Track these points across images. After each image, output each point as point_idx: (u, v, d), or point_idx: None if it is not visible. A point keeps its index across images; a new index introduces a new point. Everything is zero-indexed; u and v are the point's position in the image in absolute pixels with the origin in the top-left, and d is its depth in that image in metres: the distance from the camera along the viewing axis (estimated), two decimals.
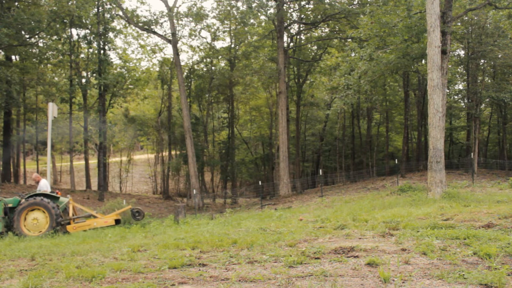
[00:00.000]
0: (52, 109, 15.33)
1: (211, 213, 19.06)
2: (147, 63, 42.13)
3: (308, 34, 34.26)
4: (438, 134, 12.90)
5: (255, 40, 32.13)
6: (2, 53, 24.98)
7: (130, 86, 33.92)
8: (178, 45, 29.70)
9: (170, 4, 28.26)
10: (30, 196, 11.36)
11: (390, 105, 35.40)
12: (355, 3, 27.59)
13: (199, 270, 4.19)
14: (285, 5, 27.53)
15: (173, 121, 37.53)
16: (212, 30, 33.74)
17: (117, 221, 12.23)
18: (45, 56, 27.18)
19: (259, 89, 37.69)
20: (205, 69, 36.88)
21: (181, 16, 29.07)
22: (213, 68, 36.63)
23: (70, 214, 11.71)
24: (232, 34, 34.40)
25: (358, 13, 24.64)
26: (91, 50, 29.56)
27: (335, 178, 34.27)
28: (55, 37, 26.35)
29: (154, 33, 29.43)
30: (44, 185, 11.97)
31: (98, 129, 28.81)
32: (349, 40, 27.32)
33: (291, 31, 32.73)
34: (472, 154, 24.50)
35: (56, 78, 31.86)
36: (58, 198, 11.75)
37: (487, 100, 27.97)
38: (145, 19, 28.54)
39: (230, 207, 24.99)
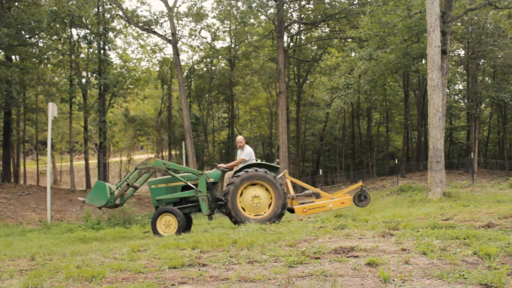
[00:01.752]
0: (52, 109, 15.33)
1: None
2: (147, 63, 42.07)
3: (308, 34, 34.28)
4: (438, 134, 12.91)
5: (255, 40, 32.14)
6: (2, 53, 24.96)
7: (130, 86, 33.90)
8: (178, 45, 29.70)
9: (170, 4, 28.25)
10: (242, 168, 8.86)
11: (390, 105, 35.43)
12: (355, 3, 27.60)
13: (199, 270, 4.19)
14: (285, 5, 27.54)
15: (173, 121, 37.53)
16: (212, 30, 33.77)
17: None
18: (45, 56, 27.14)
19: (259, 89, 37.70)
20: (205, 69, 36.89)
21: (181, 16, 29.07)
22: (213, 68, 36.63)
23: (292, 192, 9.33)
24: (232, 34, 34.42)
25: (358, 13, 24.66)
26: (91, 50, 29.56)
27: (335, 178, 34.28)
28: (55, 37, 26.33)
29: (154, 33, 29.43)
30: (251, 153, 9.37)
31: (98, 129, 28.80)
32: (349, 40, 27.33)
33: (291, 31, 32.75)
34: (472, 154, 24.52)
35: (56, 78, 31.84)
36: (277, 169, 9.15)
37: (487, 100, 27.99)
38: (145, 19, 28.54)
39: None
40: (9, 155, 27.05)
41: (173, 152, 40.40)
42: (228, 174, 9.20)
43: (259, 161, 9.24)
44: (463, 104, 32.91)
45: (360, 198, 9.83)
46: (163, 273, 4.09)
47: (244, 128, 44.48)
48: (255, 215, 8.54)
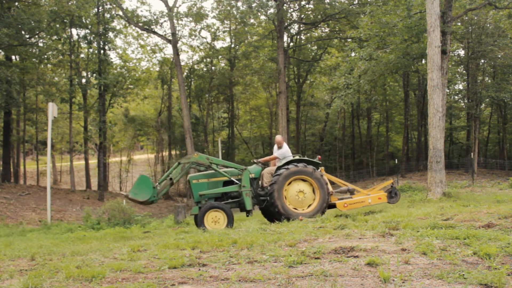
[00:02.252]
0: (52, 109, 15.35)
1: None
2: (147, 63, 42.06)
3: (308, 34, 34.28)
4: (438, 134, 12.91)
5: (255, 40, 32.14)
6: (2, 53, 24.97)
7: (130, 86, 33.91)
8: (178, 45, 29.70)
9: (170, 4, 28.27)
10: (289, 162, 9.01)
11: (390, 105, 35.41)
12: (355, 3, 27.60)
13: (199, 270, 4.18)
14: (285, 5, 27.53)
15: (173, 121, 37.53)
16: (212, 30, 33.77)
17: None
18: (45, 56, 27.16)
19: (259, 89, 37.70)
20: (205, 69, 36.90)
21: (181, 16, 29.08)
22: (213, 68, 36.64)
23: (330, 188, 9.43)
24: (232, 34, 34.41)
25: (358, 13, 24.67)
26: (91, 50, 29.56)
27: None
28: (55, 37, 26.34)
29: (154, 33, 29.44)
30: (285, 153, 9.55)
31: (98, 129, 28.81)
32: (349, 40, 27.33)
33: (291, 31, 32.75)
34: (472, 154, 24.52)
35: (56, 78, 31.85)
36: (319, 165, 9.36)
37: (487, 100, 27.98)
38: (145, 19, 28.55)
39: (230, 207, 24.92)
40: (9, 155, 27.06)
41: (173, 152, 40.40)
42: (266, 170, 9.28)
43: (297, 156, 9.38)
44: (463, 104, 32.92)
45: (391, 195, 10.04)
46: (163, 273, 4.09)
47: (244, 128, 44.46)
48: (299, 210, 8.75)
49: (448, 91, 25.76)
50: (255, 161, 9.56)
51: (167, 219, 15.63)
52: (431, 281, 3.42)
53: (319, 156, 9.80)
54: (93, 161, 39.54)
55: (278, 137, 9.77)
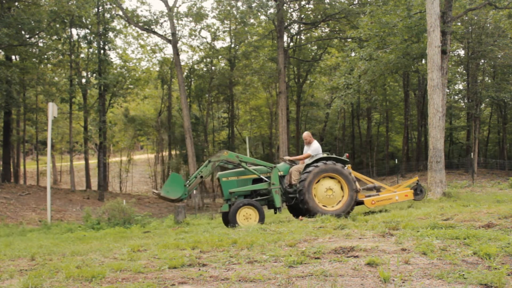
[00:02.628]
0: (52, 109, 15.36)
1: (211, 213, 19.06)
2: (147, 63, 42.07)
3: (308, 34, 34.29)
4: (438, 134, 12.91)
5: (255, 40, 32.15)
6: (2, 53, 24.98)
7: (130, 86, 33.93)
8: (178, 45, 29.72)
9: (170, 4, 28.29)
10: (315, 161, 9.03)
11: (390, 105, 35.41)
12: (355, 3, 27.61)
13: (199, 270, 4.18)
14: (285, 5, 27.54)
15: (173, 121, 37.53)
16: (212, 30, 33.79)
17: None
18: (45, 56, 27.17)
19: (259, 89, 37.71)
20: (205, 69, 36.91)
21: (181, 16, 29.10)
22: (213, 68, 36.65)
23: (358, 186, 9.35)
24: (232, 34, 34.43)
25: (358, 13, 24.68)
26: (91, 50, 29.57)
27: None
28: (55, 37, 26.36)
29: (154, 33, 29.45)
30: (318, 149, 9.53)
31: (98, 129, 28.82)
32: (349, 40, 27.34)
33: (291, 31, 32.76)
34: (472, 154, 24.50)
35: (56, 78, 31.86)
36: (346, 163, 9.38)
37: (487, 100, 27.96)
38: (145, 19, 28.58)
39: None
40: (9, 155, 27.06)
41: (173, 152, 40.41)
42: (295, 167, 9.30)
43: (325, 154, 9.40)
44: (463, 104, 32.90)
45: (416, 192, 10.10)
46: (163, 273, 4.09)
47: (244, 128, 44.47)
48: (327, 207, 8.81)
49: (448, 91, 25.76)
50: (285, 158, 9.58)
51: (167, 219, 15.63)
52: (431, 281, 3.42)
53: (347, 154, 9.80)
54: (93, 161, 39.54)
55: (306, 134, 9.74)
